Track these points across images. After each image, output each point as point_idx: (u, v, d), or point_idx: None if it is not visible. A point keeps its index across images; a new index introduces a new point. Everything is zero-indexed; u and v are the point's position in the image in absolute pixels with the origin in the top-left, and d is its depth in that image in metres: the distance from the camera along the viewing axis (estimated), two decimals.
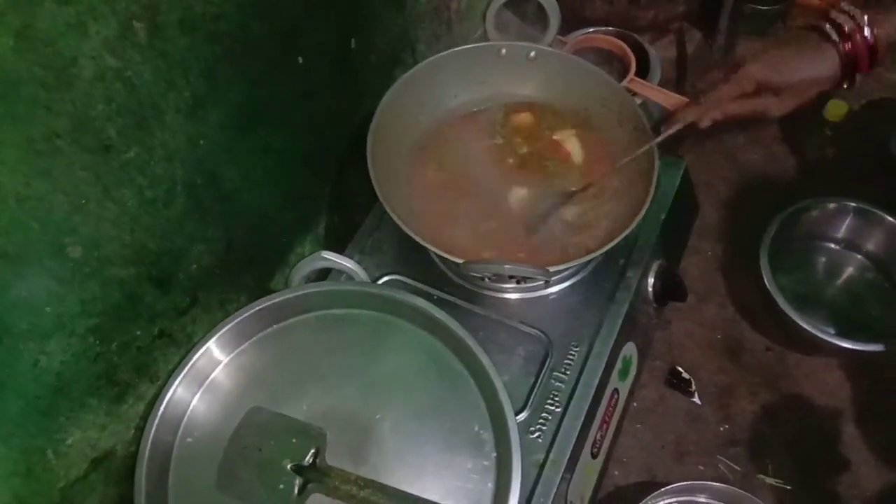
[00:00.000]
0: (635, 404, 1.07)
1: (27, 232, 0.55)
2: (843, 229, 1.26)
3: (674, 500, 0.96)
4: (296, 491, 0.62)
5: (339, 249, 0.98)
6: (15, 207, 0.54)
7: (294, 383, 0.75)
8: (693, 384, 1.10)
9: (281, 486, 0.62)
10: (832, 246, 1.27)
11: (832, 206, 1.24)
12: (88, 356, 0.67)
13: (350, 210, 1.04)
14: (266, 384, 0.76)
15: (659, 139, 0.85)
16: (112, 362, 0.70)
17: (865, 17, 0.72)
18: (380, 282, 0.92)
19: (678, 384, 1.10)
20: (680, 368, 1.10)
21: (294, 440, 0.64)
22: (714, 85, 0.79)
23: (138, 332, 0.72)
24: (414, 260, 0.94)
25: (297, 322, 0.79)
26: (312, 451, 0.64)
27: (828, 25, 0.74)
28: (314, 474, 0.63)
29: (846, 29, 0.72)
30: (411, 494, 0.62)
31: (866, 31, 0.72)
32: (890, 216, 1.21)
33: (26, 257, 0.56)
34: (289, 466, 0.63)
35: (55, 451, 0.66)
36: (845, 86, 0.77)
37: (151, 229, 0.69)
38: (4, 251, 0.54)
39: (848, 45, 0.73)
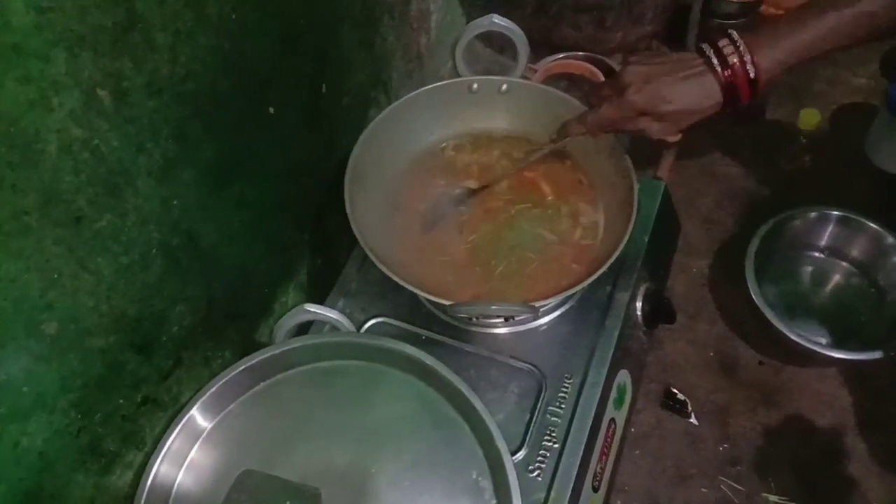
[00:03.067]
0: (633, 430, 1.06)
1: (0, 314, 0.54)
2: (826, 237, 1.26)
3: None
4: None
5: (323, 294, 0.97)
6: None
7: (285, 442, 0.74)
8: (689, 405, 1.09)
9: None
10: (816, 255, 1.28)
11: (813, 215, 1.24)
12: (71, 431, 0.65)
13: (332, 253, 1.03)
14: (256, 445, 0.74)
15: (547, 150, 0.89)
16: (96, 434, 0.68)
17: (749, 51, 0.72)
18: (366, 325, 0.91)
19: (674, 406, 1.09)
20: (675, 390, 1.09)
21: (288, 502, 0.63)
22: (601, 102, 0.80)
23: (122, 401, 0.71)
24: (399, 300, 0.93)
25: (283, 378, 0.78)
26: None
27: (713, 53, 0.74)
28: None
29: (729, 59, 0.72)
30: None
31: (748, 64, 0.72)
32: (871, 222, 1.21)
33: (1, 340, 0.55)
34: None
35: None
36: (727, 112, 0.77)
37: (129, 295, 0.67)
38: None
39: (728, 74, 0.73)
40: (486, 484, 0.70)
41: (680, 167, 1.33)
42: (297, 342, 0.78)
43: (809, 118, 1.32)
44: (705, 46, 0.75)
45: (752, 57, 0.72)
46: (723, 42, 0.73)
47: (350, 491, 0.70)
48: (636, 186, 0.85)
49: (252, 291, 0.90)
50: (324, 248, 1.03)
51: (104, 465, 0.70)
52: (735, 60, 0.72)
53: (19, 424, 0.59)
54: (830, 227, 1.25)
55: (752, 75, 0.72)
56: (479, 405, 0.71)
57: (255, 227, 0.86)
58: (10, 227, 0.53)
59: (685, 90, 0.75)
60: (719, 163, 1.38)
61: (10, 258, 0.53)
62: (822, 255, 1.28)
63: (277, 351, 0.77)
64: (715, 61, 0.73)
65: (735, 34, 0.74)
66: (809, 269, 1.27)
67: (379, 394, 0.76)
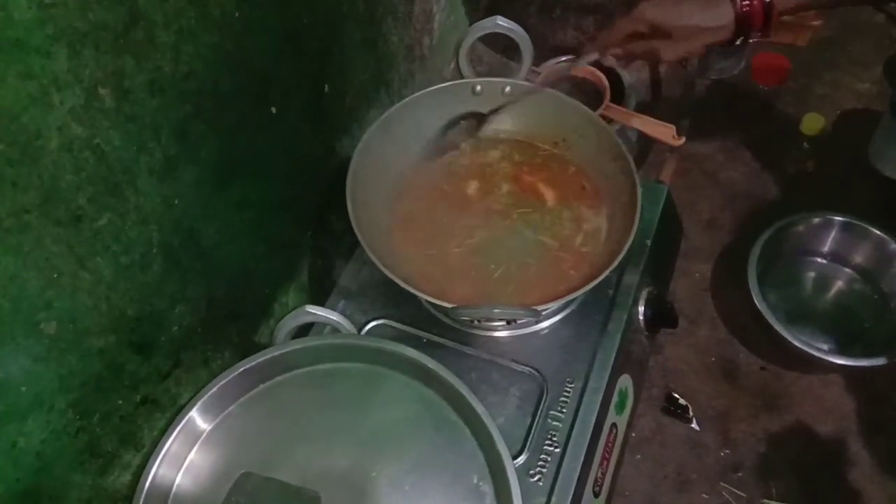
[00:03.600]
0: (633, 434, 1.05)
1: None
2: (829, 243, 1.26)
3: None
4: None
5: (324, 295, 0.97)
6: None
7: (284, 445, 0.73)
8: (690, 410, 1.08)
9: None
10: (819, 260, 1.27)
11: (816, 220, 1.23)
12: (69, 432, 0.64)
13: (333, 254, 1.03)
14: (255, 447, 0.74)
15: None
16: (95, 435, 0.68)
17: None
18: (367, 327, 0.90)
19: (675, 411, 1.08)
20: (676, 395, 1.09)
21: None
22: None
23: (120, 402, 0.70)
24: (401, 302, 0.92)
25: (283, 380, 0.77)
26: None
27: None
28: None
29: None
30: None
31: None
32: (874, 228, 1.21)
33: None
34: None
35: None
36: (737, 42, 0.78)
37: (129, 295, 0.67)
38: None
39: (745, 3, 0.74)
40: (487, 488, 0.69)
41: (683, 171, 1.33)
42: (298, 344, 0.78)
43: (813, 123, 1.31)
44: None
45: None
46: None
47: (350, 494, 0.69)
48: (639, 190, 0.85)
49: (252, 292, 0.89)
50: (325, 250, 1.02)
51: (102, 466, 0.70)
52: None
53: (17, 424, 0.58)
54: (833, 233, 1.25)
55: (766, 7, 0.74)
56: (480, 409, 0.71)
57: (257, 228, 0.86)
58: (9, 224, 0.52)
59: (699, 8, 0.76)
60: (722, 167, 1.38)
61: (9, 255, 0.53)
62: (824, 261, 1.27)
63: (277, 352, 0.76)
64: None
65: None
66: (812, 274, 1.27)
67: (380, 396, 0.75)
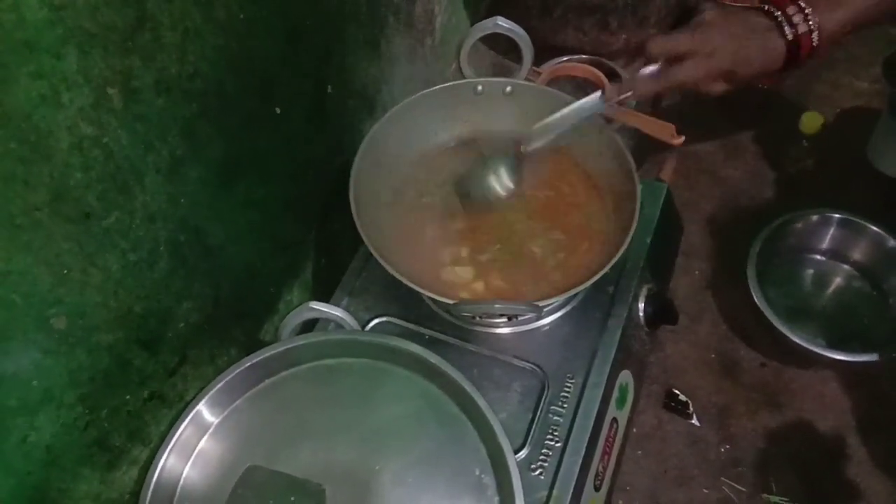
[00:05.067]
0: (634, 430, 1.06)
1: (10, 308, 0.54)
2: (827, 240, 1.27)
3: None
4: None
5: (328, 293, 0.98)
6: None
7: (290, 439, 0.74)
8: (691, 406, 1.09)
9: None
10: (818, 257, 1.28)
11: (815, 217, 1.24)
12: (79, 426, 0.65)
13: (336, 253, 1.04)
14: (261, 442, 0.75)
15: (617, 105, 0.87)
16: (103, 429, 0.69)
17: (814, 15, 0.73)
18: (370, 324, 0.91)
19: (676, 407, 1.09)
20: (677, 391, 1.10)
21: (292, 498, 0.63)
22: (679, 60, 0.79)
23: (128, 397, 0.71)
24: (403, 300, 0.93)
25: (289, 375, 0.78)
26: None
27: (783, 19, 0.74)
28: None
29: (797, 26, 0.74)
30: None
31: (813, 32, 0.73)
32: (873, 225, 1.22)
33: (11, 333, 0.55)
34: None
35: None
36: (785, 73, 0.79)
37: (137, 292, 0.68)
38: None
39: (794, 38, 0.74)
40: (490, 481, 0.70)
41: (683, 170, 1.34)
42: (303, 339, 0.79)
43: (812, 121, 1.32)
44: (771, 8, 0.76)
45: (816, 21, 0.73)
46: (791, 10, 0.74)
47: (354, 488, 0.70)
48: (639, 188, 0.86)
49: (257, 290, 0.91)
50: (328, 248, 1.03)
51: (110, 461, 0.71)
52: (803, 28, 0.74)
53: (28, 418, 0.59)
54: (832, 230, 1.25)
55: (815, 42, 0.74)
56: (482, 403, 0.72)
57: (261, 226, 0.87)
58: (21, 221, 0.53)
59: (761, 52, 0.76)
60: (722, 165, 1.39)
61: (20, 252, 0.54)
62: (823, 258, 1.28)
63: (283, 348, 0.77)
64: (785, 27, 0.74)
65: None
66: (811, 271, 1.28)
67: (383, 392, 0.77)
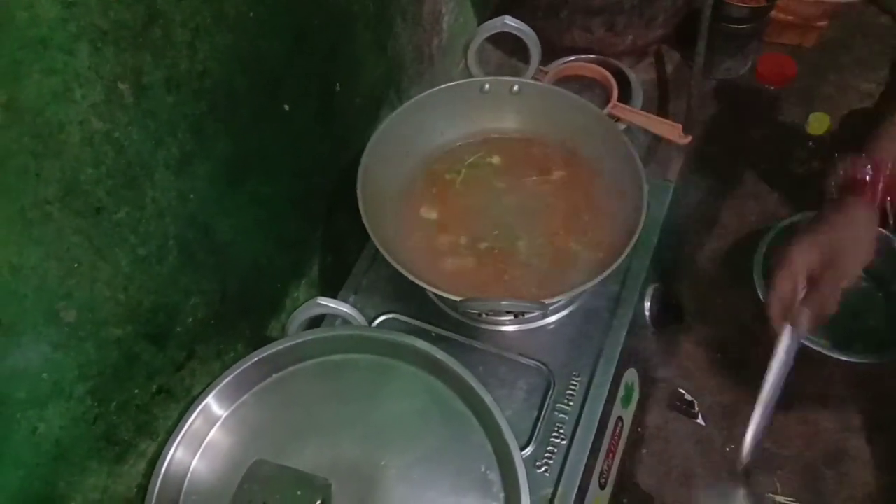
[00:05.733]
0: (639, 429, 1.06)
1: (21, 301, 0.55)
2: None
3: None
4: None
5: (334, 291, 0.98)
6: (8, 277, 0.54)
7: (296, 433, 0.75)
8: (696, 406, 1.09)
9: None
10: None
11: None
12: (87, 419, 0.66)
13: (342, 251, 1.04)
14: (268, 436, 0.75)
15: None
16: (111, 423, 0.69)
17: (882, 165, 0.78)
18: (376, 322, 0.92)
19: (681, 407, 1.09)
20: (682, 390, 1.10)
21: (299, 492, 0.64)
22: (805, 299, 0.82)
23: (136, 391, 0.72)
24: (409, 297, 0.93)
25: (296, 371, 0.79)
26: (318, 503, 0.63)
27: (868, 189, 0.79)
28: None
29: (877, 184, 0.78)
30: None
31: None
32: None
33: (21, 326, 0.56)
34: None
35: None
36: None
37: (145, 286, 0.68)
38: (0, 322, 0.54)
39: (880, 196, 0.79)
40: (495, 477, 0.71)
41: (689, 170, 1.34)
42: (310, 335, 0.79)
43: (819, 122, 1.32)
44: (848, 185, 0.81)
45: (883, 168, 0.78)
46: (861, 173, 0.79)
47: (360, 483, 0.71)
48: (645, 188, 0.86)
49: (264, 287, 0.91)
50: (335, 246, 1.04)
51: (118, 454, 0.71)
52: (876, 178, 0.79)
53: (38, 410, 0.60)
54: None
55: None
56: (488, 400, 0.72)
57: (268, 224, 0.88)
58: (32, 214, 0.54)
59: (867, 245, 0.80)
60: (728, 166, 1.39)
61: (31, 246, 0.55)
62: None
63: (290, 343, 0.78)
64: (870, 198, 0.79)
65: (861, 160, 0.80)
66: None
67: (389, 388, 0.77)
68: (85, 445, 0.67)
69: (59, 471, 0.64)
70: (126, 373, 0.70)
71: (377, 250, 0.82)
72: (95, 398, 0.66)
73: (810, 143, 1.34)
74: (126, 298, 0.66)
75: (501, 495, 0.70)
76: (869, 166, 0.79)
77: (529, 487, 0.69)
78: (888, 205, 0.79)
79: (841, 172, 0.81)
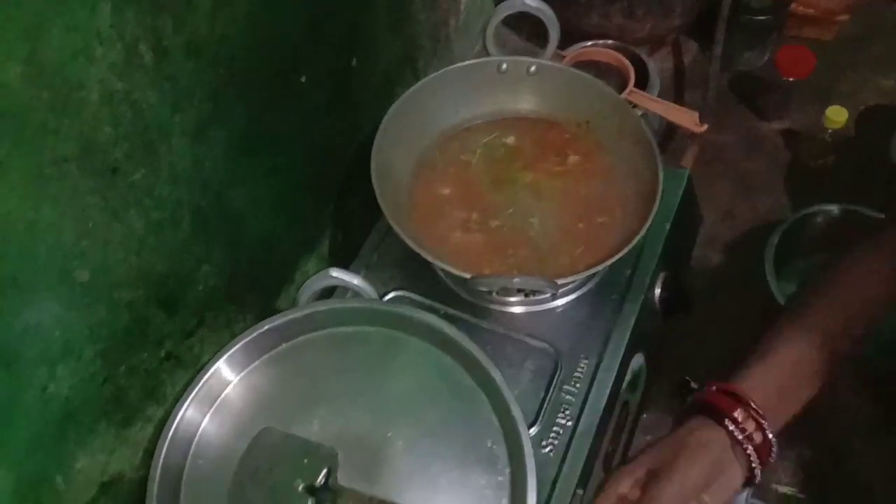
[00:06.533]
0: (644, 416, 1.06)
1: (36, 258, 0.55)
2: (847, 236, 1.25)
3: None
4: None
5: (344, 267, 0.98)
6: (24, 234, 0.54)
7: (304, 403, 0.75)
8: None
9: None
10: None
11: (836, 212, 1.23)
12: (96, 381, 0.66)
13: (353, 228, 1.04)
14: (276, 404, 0.76)
15: None
16: (120, 386, 0.70)
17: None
18: (386, 298, 0.92)
19: (686, 395, 1.09)
20: (688, 378, 1.09)
21: (305, 460, 0.64)
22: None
23: (146, 355, 0.72)
24: (419, 276, 0.93)
25: (306, 340, 0.79)
26: (324, 471, 0.63)
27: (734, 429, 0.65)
28: (326, 495, 0.63)
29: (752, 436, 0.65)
30: None
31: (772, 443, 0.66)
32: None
33: (35, 283, 0.56)
34: (300, 487, 0.63)
35: (64, 477, 0.66)
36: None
37: (158, 251, 0.69)
38: (14, 278, 0.54)
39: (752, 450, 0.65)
40: (501, 452, 0.71)
41: (703, 161, 1.33)
42: (322, 305, 0.79)
43: (836, 116, 1.31)
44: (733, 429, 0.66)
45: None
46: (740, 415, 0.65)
47: (366, 454, 0.71)
48: (661, 171, 0.86)
49: (275, 260, 0.91)
50: (345, 223, 1.04)
51: (126, 418, 0.72)
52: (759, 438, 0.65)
53: (48, 369, 0.60)
54: (852, 226, 1.24)
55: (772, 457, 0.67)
56: (496, 375, 0.72)
57: (281, 197, 0.88)
58: (50, 171, 0.54)
59: (709, 467, 0.66)
60: (742, 158, 1.38)
61: (48, 203, 0.55)
62: None
63: (301, 313, 0.78)
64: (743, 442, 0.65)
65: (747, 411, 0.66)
66: None
67: (399, 361, 0.77)
68: (93, 407, 0.67)
69: (67, 430, 0.65)
70: (136, 337, 0.70)
71: (388, 228, 0.82)
72: (105, 360, 0.66)
73: (826, 137, 1.34)
74: (139, 262, 0.67)
75: (507, 471, 0.70)
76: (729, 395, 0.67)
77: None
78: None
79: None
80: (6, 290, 0.53)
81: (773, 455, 0.66)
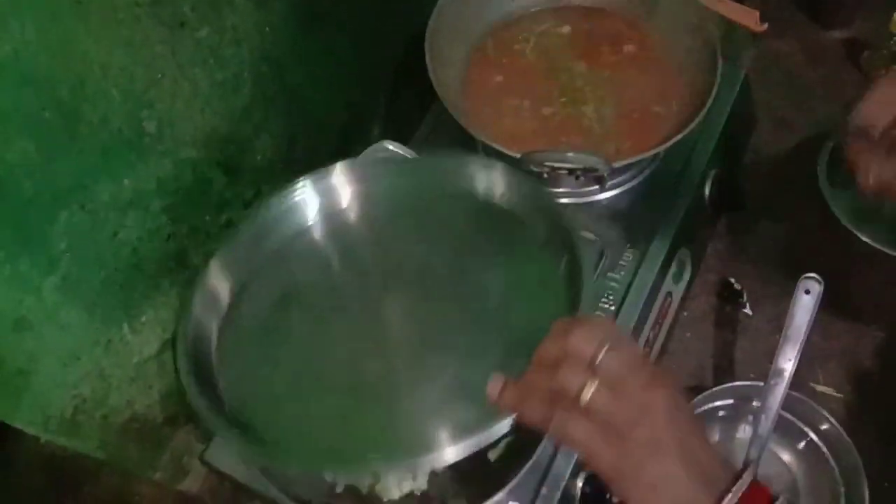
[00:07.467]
0: (685, 313, 1.07)
1: (109, 100, 0.57)
2: None
3: (725, 402, 0.97)
4: None
5: None
6: (99, 76, 0.56)
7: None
8: (745, 295, 1.09)
9: None
10: None
11: None
12: (162, 235, 0.69)
13: (405, 115, 1.05)
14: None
15: None
16: (183, 245, 0.73)
17: None
18: None
19: (729, 297, 1.09)
20: (732, 279, 1.10)
21: None
22: None
23: (207, 218, 0.75)
24: None
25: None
26: None
27: None
28: None
29: None
30: None
31: None
32: None
33: (107, 125, 0.58)
34: None
35: (131, 326, 0.70)
36: None
37: (221, 113, 0.71)
38: (89, 119, 0.56)
39: None
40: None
41: (759, 69, 1.29)
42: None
43: None
44: None
45: None
46: None
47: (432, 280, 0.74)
48: (720, 62, 0.85)
49: (329, 139, 0.93)
50: (396, 113, 1.04)
51: (187, 279, 0.74)
52: None
53: (119, 214, 0.63)
54: None
55: None
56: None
57: (336, 78, 0.89)
58: (122, 16, 0.55)
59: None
60: (801, 66, 1.34)
61: (120, 47, 0.57)
62: None
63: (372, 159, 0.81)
64: None
65: None
66: None
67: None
68: (158, 260, 0.70)
69: (135, 280, 0.68)
70: (199, 197, 0.72)
71: (440, 114, 0.83)
72: (170, 216, 0.69)
73: (893, 47, 1.28)
74: (203, 121, 0.69)
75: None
76: None
77: None
78: None
79: None
80: (79, 128, 0.56)
81: None
